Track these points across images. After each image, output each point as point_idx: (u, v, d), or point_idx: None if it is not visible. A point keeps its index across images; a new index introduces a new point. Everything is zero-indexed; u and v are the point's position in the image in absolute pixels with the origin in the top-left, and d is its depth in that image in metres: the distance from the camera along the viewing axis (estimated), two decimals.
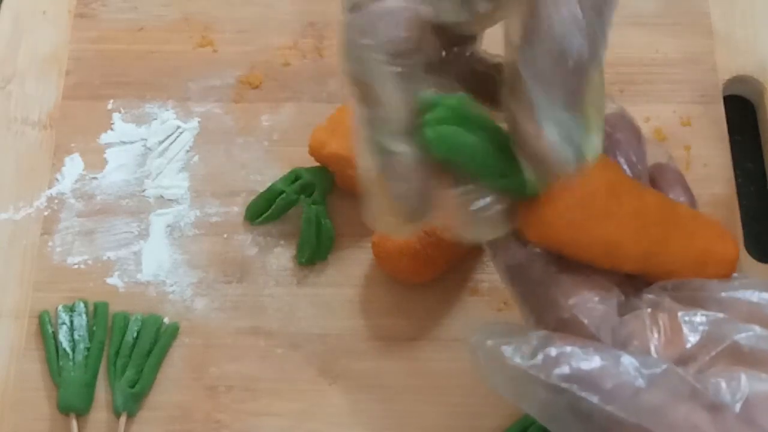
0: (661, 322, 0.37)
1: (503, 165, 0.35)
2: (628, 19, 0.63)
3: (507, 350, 0.35)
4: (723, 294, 0.38)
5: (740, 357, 0.35)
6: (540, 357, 0.34)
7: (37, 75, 0.63)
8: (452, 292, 0.56)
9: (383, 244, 0.54)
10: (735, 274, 0.41)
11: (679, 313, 0.37)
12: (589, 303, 0.37)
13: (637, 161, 0.42)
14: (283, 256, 0.57)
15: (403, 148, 0.35)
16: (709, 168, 0.59)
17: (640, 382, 0.33)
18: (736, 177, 0.60)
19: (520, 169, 0.35)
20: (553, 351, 0.34)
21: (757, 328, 0.36)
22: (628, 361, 0.34)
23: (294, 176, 0.57)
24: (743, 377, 0.33)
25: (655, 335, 0.36)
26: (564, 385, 0.34)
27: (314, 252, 0.57)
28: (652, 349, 0.36)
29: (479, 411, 0.54)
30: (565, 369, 0.34)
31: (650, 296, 0.38)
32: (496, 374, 0.36)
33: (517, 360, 0.35)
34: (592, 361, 0.34)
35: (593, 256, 0.38)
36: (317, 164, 0.57)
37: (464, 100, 0.35)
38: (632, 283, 0.40)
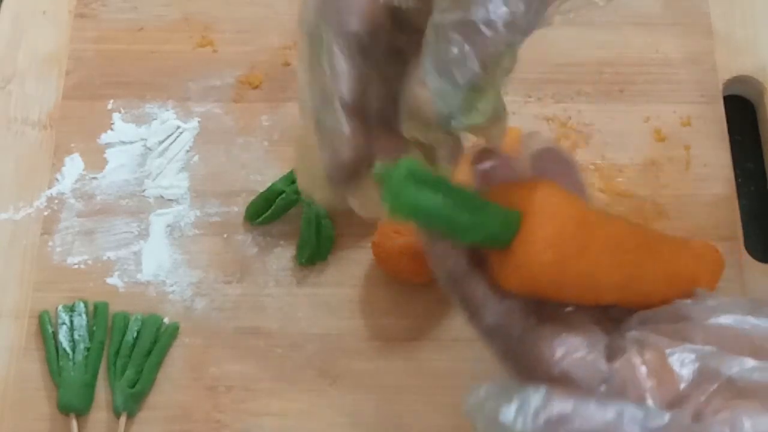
0: (651, 365, 0.36)
1: (468, 220, 0.35)
2: (628, 19, 0.64)
3: (507, 416, 0.34)
4: (707, 322, 0.37)
5: (736, 392, 0.34)
6: (542, 420, 0.33)
7: (37, 75, 0.63)
8: None
9: (383, 244, 0.54)
10: (708, 294, 0.40)
11: (667, 351, 0.36)
12: (577, 353, 0.36)
13: (576, 192, 0.40)
14: (283, 256, 0.57)
15: (333, 118, 0.35)
16: (709, 168, 0.59)
17: None
18: (736, 177, 0.60)
19: (487, 221, 0.35)
20: (554, 411, 0.33)
21: (749, 361, 0.35)
22: (630, 415, 0.33)
23: (294, 176, 0.57)
24: (746, 421, 0.33)
25: (648, 380, 0.36)
26: None
27: (314, 252, 0.57)
28: (647, 395, 0.35)
29: None
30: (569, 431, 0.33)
31: (634, 333, 0.37)
32: None
33: (519, 426, 0.33)
34: (595, 420, 0.33)
35: (573, 293, 0.38)
36: None
37: (414, 165, 0.34)
38: (608, 315, 0.39)
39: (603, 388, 0.36)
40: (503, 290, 0.37)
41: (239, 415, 0.53)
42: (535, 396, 0.33)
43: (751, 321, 0.37)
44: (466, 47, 0.33)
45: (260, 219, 0.57)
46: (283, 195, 0.57)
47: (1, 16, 0.65)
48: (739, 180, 0.60)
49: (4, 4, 0.65)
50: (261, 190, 0.58)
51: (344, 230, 0.58)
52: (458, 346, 0.55)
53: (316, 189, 0.38)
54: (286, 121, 0.61)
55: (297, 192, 0.57)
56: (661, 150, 0.60)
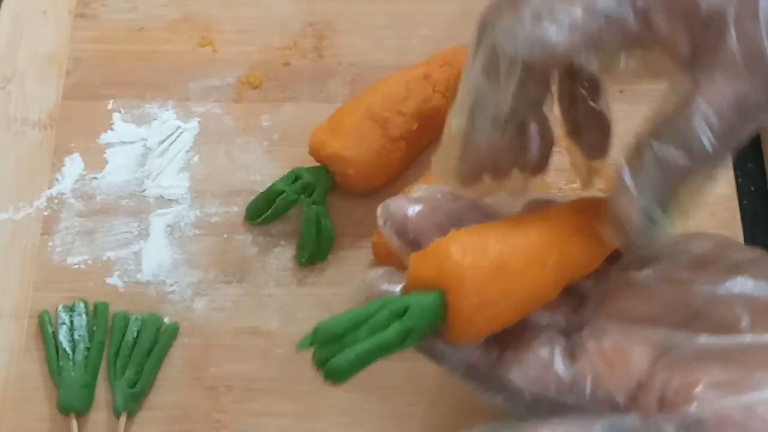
0: (609, 358, 0.39)
1: (398, 333, 0.38)
2: None
3: None
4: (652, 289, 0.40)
5: (690, 367, 0.37)
6: None
7: (37, 75, 0.63)
8: None
9: (383, 244, 0.54)
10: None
11: (622, 340, 0.39)
12: (538, 372, 0.39)
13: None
14: (283, 256, 0.58)
15: (488, 131, 0.42)
16: None
17: None
18: (736, 177, 0.60)
19: (416, 322, 0.38)
20: None
21: (699, 337, 0.38)
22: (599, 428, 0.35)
23: (294, 176, 0.57)
24: (692, 410, 0.35)
25: (609, 376, 0.38)
26: None
27: (314, 252, 0.57)
28: (612, 390, 0.38)
29: (479, 411, 0.54)
30: None
31: (588, 330, 0.40)
32: None
33: None
34: None
35: (526, 309, 0.40)
36: (317, 164, 0.57)
37: (321, 331, 0.39)
38: (563, 298, 0.41)
39: (573, 396, 0.39)
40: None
41: (239, 415, 0.53)
42: None
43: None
44: (681, 176, 0.38)
45: (260, 219, 0.57)
46: (283, 195, 0.57)
47: (1, 16, 0.65)
48: (739, 180, 0.60)
49: (4, 4, 0.65)
50: (261, 190, 0.58)
51: (344, 230, 0.58)
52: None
53: (447, 180, 0.44)
54: (286, 121, 0.61)
55: (297, 192, 0.57)
56: None
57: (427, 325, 0.39)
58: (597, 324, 0.40)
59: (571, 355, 0.40)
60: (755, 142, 0.62)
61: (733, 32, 0.37)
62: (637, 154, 0.39)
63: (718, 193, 0.59)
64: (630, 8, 0.38)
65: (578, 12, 0.38)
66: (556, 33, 0.39)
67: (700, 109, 0.37)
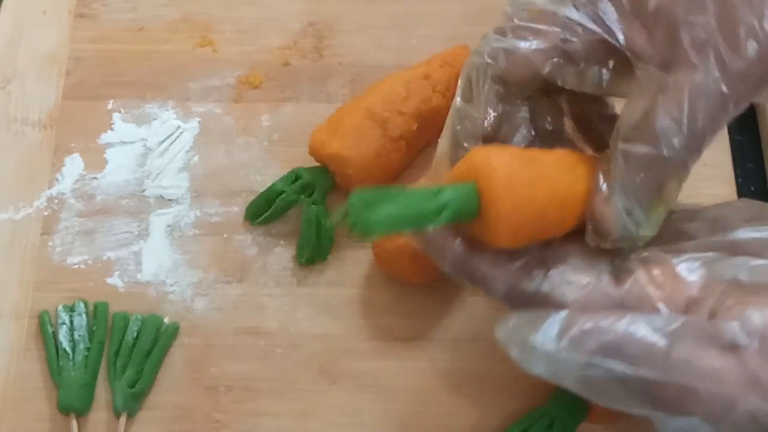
0: (659, 279, 0.39)
1: (432, 208, 0.39)
2: None
3: (536, 340, 0.37)
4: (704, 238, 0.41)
5: (744, 290, 0.37)
6: (566, 339, 0.37)
7: (37, 75, 0.63)
8: (452, 292, 0.56)
9: (383, 244, 0.54)
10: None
11: (673, 262, 0.39)
12: (586, 290, 0.40)
13: None
14: (283, 256, 0.58)
15: (469, 146, 0.44)
16: (709, 168, 0.59)
17: (663, 342, 0.36)
18: (736, 177, 0.60)
19: (450, 201, 0.39)
20: (577, 330, 0.37)
21: (753, 260, 0.38)
22: (646, 324, 0.36)
23: (294, 176, 0.57)
24: (755, 314, 0.36)
25: (659, 293, 0.38)
26: (594, 360, 0.36)
27: (314, 252, 0.57)
28: (661, 306, 0.38)
29: (479, 411, 0.54)
30: (591, 345, 0.36)
31: (636, 255, 0.41)
32: (529, 362, 0.38)
33: (547, 347, 0.37)
34: (613, 333, 0.36)
35: (559, 212, 0.41)
36: (317, 164, 0.57)
37: (362, 192, 0.40)
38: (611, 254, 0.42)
39: (617, 310, 0.39)
40: (503, 258, 0.41)
41: (239, 415, 0.53)
42: (559, 319, 0.38)
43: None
44: (652, 174, 0.39)
45: (260, 219, 0.57)
46: (283, 195, 0.57)
47: (1, 16, 0.65)
48: (739, 180, 0.60)
49: (4, 4, 0.65)
50: (261, 190, 0.58)
51: (344, 230, 0.58)
52: (458, 346, 0.55)
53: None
54: (286, 121, 0.61)
55: (297, 192, 0.57)
56: None
57: (461, 206, 0.40)
58: (644, 255, 0.41)
59: (618, 278, 0.40)
60: (755, 142, 0.62)
61: (684, 28, 0.38)
62: (610, 158, 0.40)
63: (718, 193, 0.59)
64: (589, 18, 0.41)
65: (542, 26, 0.42)
66: (518, 42, 0.42)
67: (664, 107, 0.39)
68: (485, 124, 0.43)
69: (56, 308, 0.55)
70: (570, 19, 0.41)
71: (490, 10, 0.65)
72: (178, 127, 0.61)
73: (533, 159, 0.41)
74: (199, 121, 0.62)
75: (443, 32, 0.64)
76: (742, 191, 0.60)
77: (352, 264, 0.57)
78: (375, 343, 0.55)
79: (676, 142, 0.39)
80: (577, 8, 0.41)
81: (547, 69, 0.42)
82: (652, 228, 0.41)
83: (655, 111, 0.39)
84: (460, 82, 0.44)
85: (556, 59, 0.42)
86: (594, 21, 0.41)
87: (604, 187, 0.40)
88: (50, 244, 0.58)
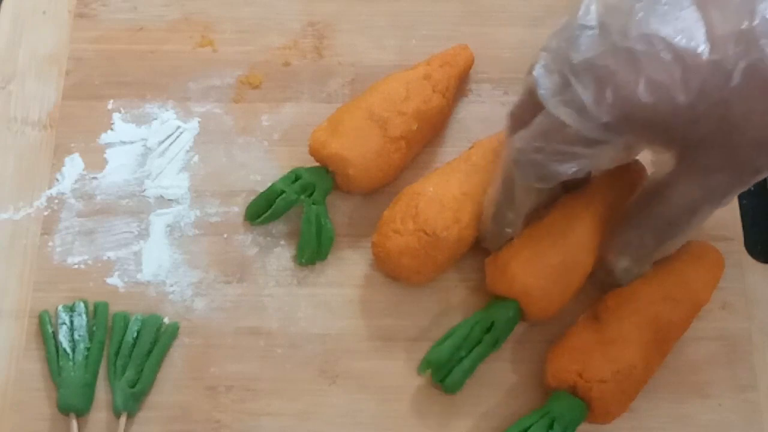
0: None
1: (491, 343, 0.53)
2: None
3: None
4: None
5: None
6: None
7: (37, 75, 0.63)
8: (452, 292, 0.56)
9: (383, 244, 0.54)
10: None
11: None
12: None
13: None
14: (283, 256, 0.57)
15: (511, 230, 0.53)
16: None
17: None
18: None
19: (500, 330, 0.53)
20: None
21: None
22: None
23: (294, 176, 0.57)
24: None
25: None
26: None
27: (314, 252, 0.57)
28: None
29: (479, 411, 0.54)
30: None
31: None
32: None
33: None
34: None
35: (583, 279, 0.55)
36: (317, 164, 0.57)
37: (434, 356, 0.53)
38: None
39: None
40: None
41: (239, 415, 0.53)
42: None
43: None
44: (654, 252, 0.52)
45: (260, 219, 0.57)
46: (283, 195, 0.57)
47: (1, 16, 0.65)
48: None
49: (4, 4, 0.65)
50: (261, 190, 0.58)
51: (344, 230, 0.58)
52: None
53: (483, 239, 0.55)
54: (286, 121, 0.61)
55: (297, 192, 0.57)
56: None
57: (509, 330, 0.53)
58: None
59: None
60: None
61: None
62: (629, 232, 0.51)
63: None
64: (618, 137, 0.45)
65: (576, 149, 0.46)
66: (555, 166, 0.47)
67: (674, 194, 0.47)
68: (518, 225, 0.53)
69: (56, 308, 0.55)
70: (602, 144, 0.45)
71: (490, 10, 0.65)
72: (178, 127, 0.61)
73: (563, 269, 0.52)
74: (199, 121, 0.62)
75: (443, 32, 0.64)
76: (742, 191, 0.60)
77: (352, 264, 0.57)
78: (375, 343, 0.55)
79: (679, 234, 0.50)
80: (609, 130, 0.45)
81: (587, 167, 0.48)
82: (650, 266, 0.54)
83: (662, 207, 0.48)
84: (511, 172, 0.49)
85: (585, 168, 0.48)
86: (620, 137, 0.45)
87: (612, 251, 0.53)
88: (50, 244, 0.58)
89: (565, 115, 0.44)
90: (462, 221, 0.54)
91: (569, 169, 0.46)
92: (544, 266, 0.52)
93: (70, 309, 0.55)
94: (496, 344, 0.53)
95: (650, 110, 0.42)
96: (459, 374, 0.52)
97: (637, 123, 0.43)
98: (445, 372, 0.52)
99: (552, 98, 0.44)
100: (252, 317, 0.56)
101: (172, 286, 0.57)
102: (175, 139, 0.61)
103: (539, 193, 0.52)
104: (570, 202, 0.55)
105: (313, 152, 0.57)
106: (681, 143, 0.45)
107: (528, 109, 0.46)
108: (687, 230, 0.49)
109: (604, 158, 0.47)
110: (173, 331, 0.55)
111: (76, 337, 0.54)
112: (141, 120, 0.62)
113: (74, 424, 0.52)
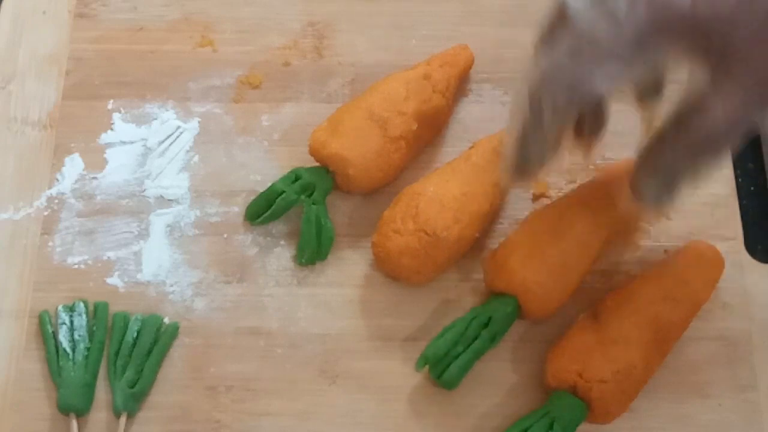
0: None
1: (488, 339, 0.54)
2: None
3: None
4: None
5: None
6: None
7: (37, 75, 0.63)
8: (452, 292, 0.56)
9: (383, 244, 0.54)
10: None
11: None
12: None
13: None
14: (283, 256, 0.57)
15: (539, 151, 0.47)
16: None
17: None
18: (736, 177, 0.60)
19: (498, 325, 0.53)
20: None
21: None
22: None
23: (294, 176, 0.57)
24: None
25: None
26: None
27: (314, 252, 0.57)
28: None
29: (479, 411, 0.54)
30: None
31: None
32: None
33: None
34: None
35: (583, 276, 0.55)
36: (317, 164, 0.57)
37: (432, 351, 0.53)
38: None
39: None
40: None
41: (239, 415, 0.53)
42: None
43: None
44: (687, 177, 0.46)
45: (260, 219, 0.57)
46: (283, 195, 0.57)
47: (1, 16, 0.65)
48: (739, 180, 0.60)
49: (4, 4, 0.65)
50: (261, 190, 0.58)
51: (344, 230, 0.58)
52: None
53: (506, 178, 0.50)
54: (286, 121, 0.61)
55: (297, 192, 0.57)
56: None
57: (507, 326, 0.53)
58: None
59: None
60: (755, 142, 0.62)
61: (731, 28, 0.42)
62: (654, 153, 0.46)
63: (718, 193, 0.59)
64: (651, 51, 0.43)
65: (609, 66, 0.44)
66: (594, 87, 0.44)
67: (713, 107, 0.43)
68: (551, 143, 0.47)
69: (56, 308, 0.55)
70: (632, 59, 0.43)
71: (490, 10, 0.65)
72: (178, 127, 0.61)
73: (561, 266, 0.52)
74: (199, 121, 0.62)
75: (443, 32, 0.64)
76: (742, 191, 0.60)
77: (352, 264, 0.57)
78: (375, 343, 0.55)
79: (711, 156, 0.45)
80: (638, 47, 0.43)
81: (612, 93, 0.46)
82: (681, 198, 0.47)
83: (697, 121, 0.44)
84: (528, 87, 0.46)
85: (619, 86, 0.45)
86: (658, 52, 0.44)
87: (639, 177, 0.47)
88: (50, 244, 0.58)
89: (598, 29, 0.42)
90: (462, 221, 0.54)
91: (600, 87, 0.44)
92: (544, 262, 0.52)
93: (70, 309, 0.55)
94: (493, 340, 0.52)
95: (688, 14, 0.41)
96: (456, 370, 0.52)
97: (673, 31, 0.42)
98: (443, 367, 0.52)
99: (584, 12, 0.43)
100: (252, 317, 0.56)
101: (172, 286, 0.57)
102: (175, 139, 0.61)
103: (567, 116, 0.47)
104: (569, 200, 0.54)
105: (313, 152, 0.57)
106: (718, 53, 0.42)
107: (556, 28, 0.45)
108: (722, 150, 0.46)
109: (636, 76, 0.46)
110: (173, 331, 0.55)
111: (76, 337, 0.54)
112: (141, 120, 0.62)
113: (74, 424, 0.52)
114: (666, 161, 0.46)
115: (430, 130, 0.59)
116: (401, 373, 0.54)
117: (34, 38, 0.64)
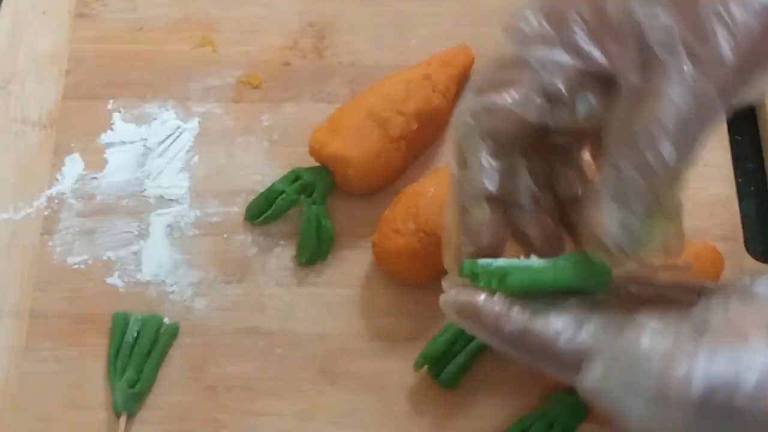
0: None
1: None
2: None
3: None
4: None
5: None
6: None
7: (37, 75, 0.63)
8: None
9: (383, 244, 0.54)
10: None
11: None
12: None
13: None
14: (283, 256, 0.57)
15: (477, 210, 0.41)
16: (709, 168, 0.59)
17: None
18: (736, 177, 0.60)
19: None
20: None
21: None
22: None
23: (294, 176, 0.57)
24: None
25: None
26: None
27: (314, 252, 0.57)
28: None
29: (479, 411, 0.54)
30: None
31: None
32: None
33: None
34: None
35: None
36: (317, 164, 0.57)
37: (429, 351, 0.52)
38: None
39: None
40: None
41: (239, 415, 0.53)
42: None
43: None
44: (643, 185, 0.37)
45: (260, 219, 0.57)
46: (283, 195, 0.57)
47: (1, 16, 0.65)
48: (739, 180, 0.60)
49: (4, 3, 0.65)
50: (261, 190, 0.58)
51: (344, 230, 0.58)
52: None
53: (457, 267, 0.43)
54: (286, 121, 0.61)
55: (297, 192, 0.57)
56: None
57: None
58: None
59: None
60: (755, 142, 0.62)
61: (648, 29, 0.37)
62: (604, 170, 0.38)
63: (718, 193, 0.59)
64: (561, 50, 0.40)
65: (517, 73, 0.40)
66: (496, 97, 0.40)
67: (644, 114, 0.37)
68: (485, 186, 0.41)
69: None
70: (543, 59, 0.40)
71: (490, 10, 0.65)
72: (178, 127, 0.61)
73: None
74: (199, 121, 0.62)
75: (443, 32, 0.64)
76: (742, 191, 0.60)
77: (352, 264, 0.57)
78: (375, 343, 0.55)
79: (661, 148, 0.37)
80: (546, 45, 0.40)
81: (534, 116, 0.40)
82: (657, 240, 0.39)
83: (636, 119, 0.37)
84: (452, 149, 0.43)
85: (539, 102, 0.40)
86: (567, 51, 0.40)
87: (602, 196, 0.38)
88: (50, 244, 0.58)
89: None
90: None
91: (511, 98, 0.40)
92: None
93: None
94: None
95: None
96: (454, 369, 0.52)
97: None
98: (441, 367, 0.52)
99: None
100: (252, 317, 0.56)
101: (172, 286, 0.57)
102: (175, 139, 0.61)
103: (499, 154, 0.42)
104: None
105: (313, 152, 0.57)
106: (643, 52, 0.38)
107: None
108: (685, 133, 0.38)
109: (557, 83, 0.40)
110: (173, 332, 0.55)
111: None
112: (141, 120, 0.62)
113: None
114: (617, 169, 0.38)
115: (430, 130, 0.59)
116: (401, 373, 0.54)
117: (34, 38, 0.64)
